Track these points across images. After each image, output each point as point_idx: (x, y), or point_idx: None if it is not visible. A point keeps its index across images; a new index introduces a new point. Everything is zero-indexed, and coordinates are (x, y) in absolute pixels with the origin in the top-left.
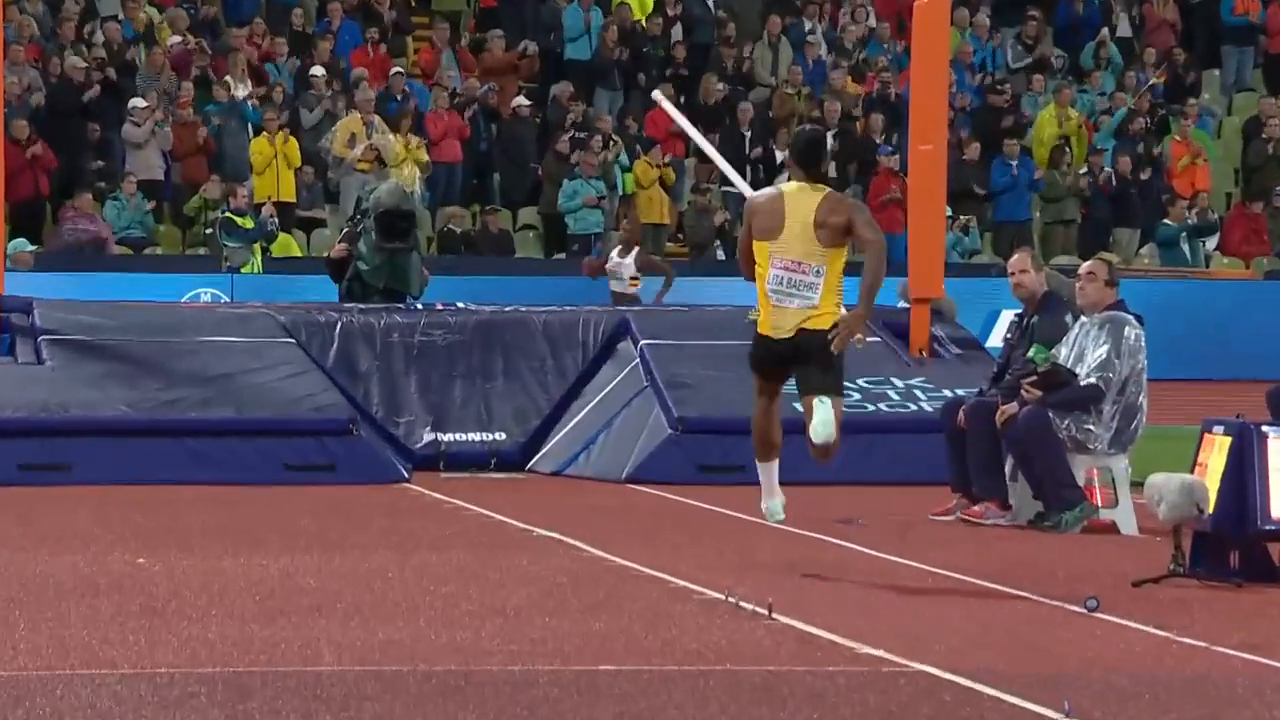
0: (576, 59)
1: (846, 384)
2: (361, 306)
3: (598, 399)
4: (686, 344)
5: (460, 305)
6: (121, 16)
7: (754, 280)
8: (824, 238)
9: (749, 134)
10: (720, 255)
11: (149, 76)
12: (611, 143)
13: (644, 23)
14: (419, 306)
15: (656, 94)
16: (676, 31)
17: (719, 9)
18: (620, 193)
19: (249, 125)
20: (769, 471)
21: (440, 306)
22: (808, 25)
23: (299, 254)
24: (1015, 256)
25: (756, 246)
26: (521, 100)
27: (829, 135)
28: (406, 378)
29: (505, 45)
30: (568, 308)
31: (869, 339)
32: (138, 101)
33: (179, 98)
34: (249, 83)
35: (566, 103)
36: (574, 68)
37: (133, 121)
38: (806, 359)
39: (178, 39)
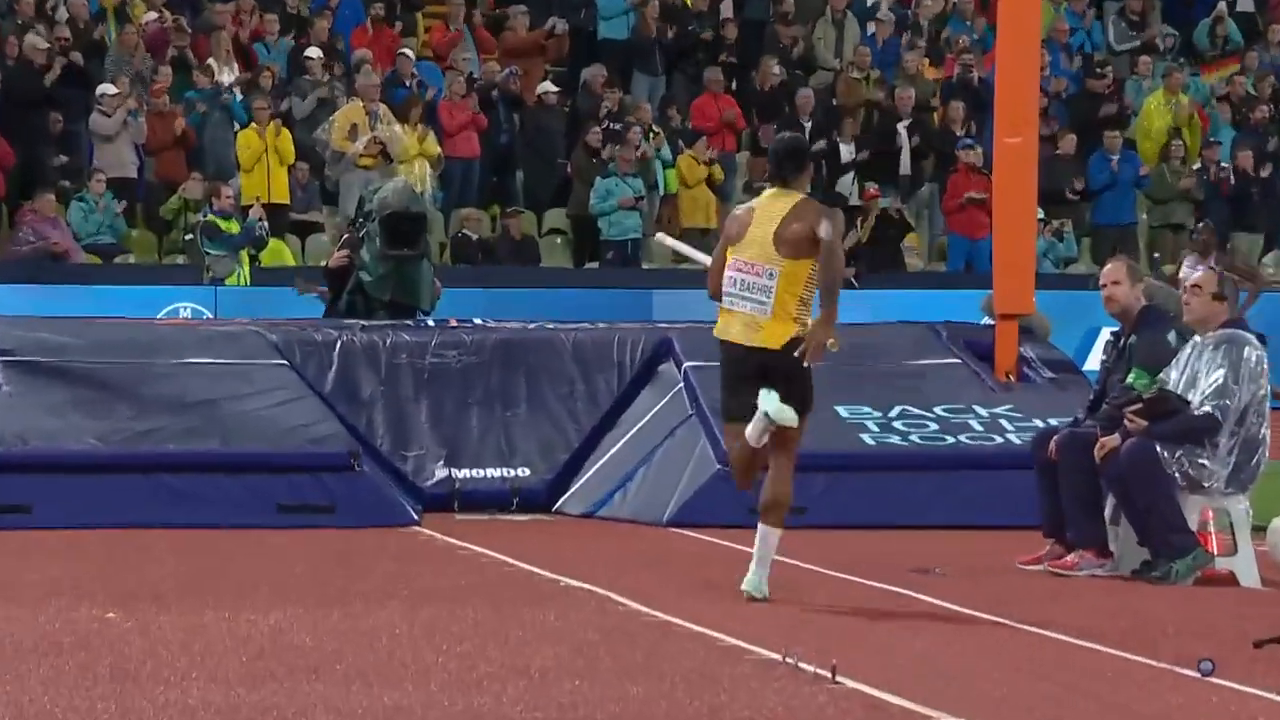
0: (612, 38)
1: (922, 412)
2: (364, 323)
3: (635, 430)
4: None
5: (478, 321)
6: None
7: (718, 298)
8: (784, 250)
9: (809, 125)
10: None
11: (120, 59)
12: (652, 135)
13: None
14: (430, 323)
15: (659, 235)
16: (726, 7)
17: None
18: (661, 192)
19: (235, 115)
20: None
21: (454, 323)
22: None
23: (292, 263)
24: (1108, 266)
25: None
26: (548, 86)
27: (902, 126)
28: (416, 405)
29: (529, 23)
30: (601, 324)
31: (841, 343)
32: (107, 88)
33: (154, 83)
34: (235, 66)
35: (600, 89)
36: (609, 48)
37: (101, 111)
38: (775, 378)
39: (153, 16)
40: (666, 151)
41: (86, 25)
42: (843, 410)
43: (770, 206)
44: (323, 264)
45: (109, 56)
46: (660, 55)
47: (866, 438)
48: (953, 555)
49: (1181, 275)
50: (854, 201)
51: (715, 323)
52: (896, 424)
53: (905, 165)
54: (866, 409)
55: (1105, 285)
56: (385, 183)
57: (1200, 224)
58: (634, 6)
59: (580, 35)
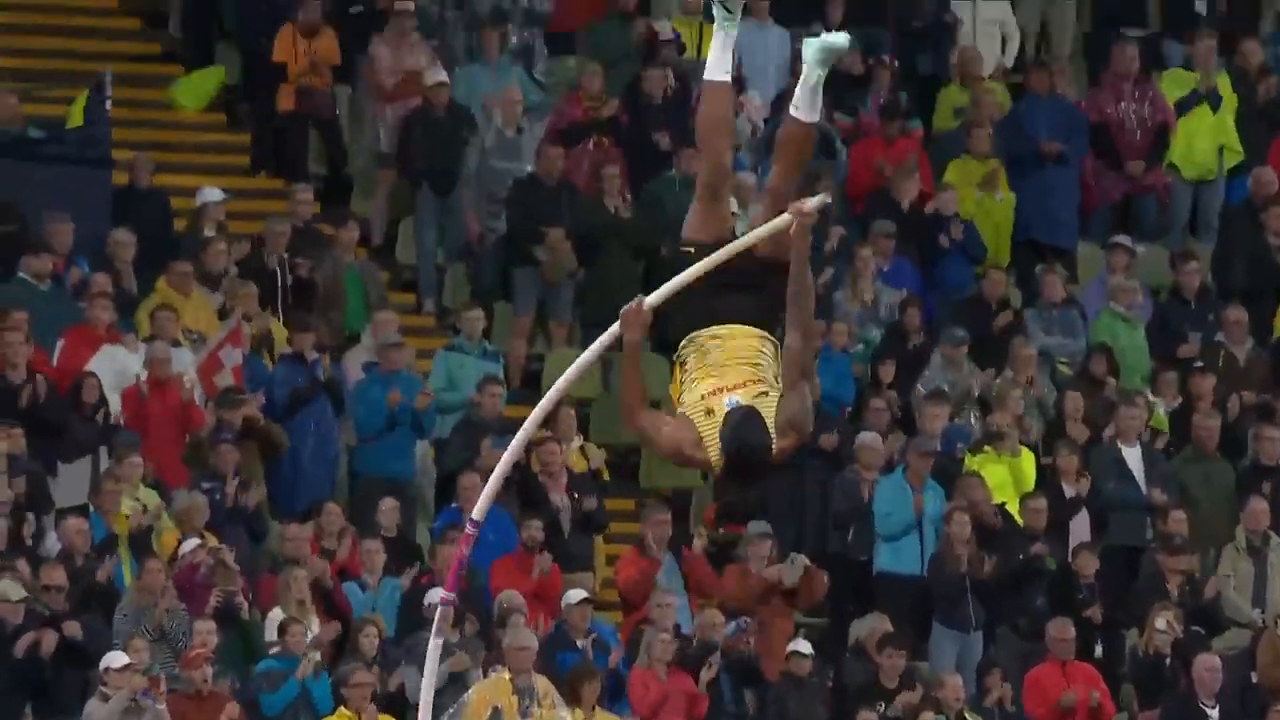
0: (896, 572)
1: None
2: None
3: None
4: None
5: None
6: (92, 507)
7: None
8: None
9: None
10: None
11: (135, 612)
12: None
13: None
14: None
15: None
16: (1078, 526)
17: None
18: None
19: (319, 702)
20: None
21: None
22: None
23: None
24: None
25: None
26: (801, 646)
27: None
28: None
29: (768, 557)
30: None
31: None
32: (114, 658)
33: (191, 649)
34: (316, 618)
35: (881, 652)
36: (892, 588)
37: (102, 694)
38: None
39: (192, 544)
40: None
41: (85, 563)
42: None
43: None
44: None
45: (120, 607)
46: (974, 600)
47: None
48: None
49: None
50: None
51: None
52: None
53: None
54: None
55: None
56: None
57: None
58: (926, 520)
59: (849, 568)
